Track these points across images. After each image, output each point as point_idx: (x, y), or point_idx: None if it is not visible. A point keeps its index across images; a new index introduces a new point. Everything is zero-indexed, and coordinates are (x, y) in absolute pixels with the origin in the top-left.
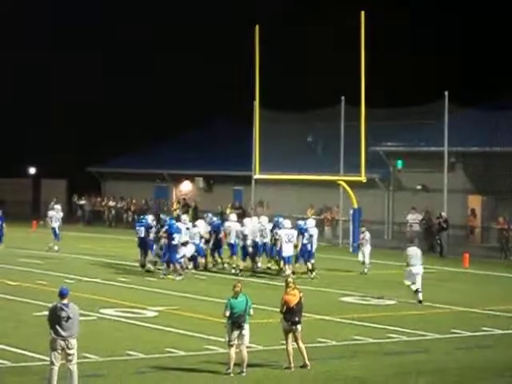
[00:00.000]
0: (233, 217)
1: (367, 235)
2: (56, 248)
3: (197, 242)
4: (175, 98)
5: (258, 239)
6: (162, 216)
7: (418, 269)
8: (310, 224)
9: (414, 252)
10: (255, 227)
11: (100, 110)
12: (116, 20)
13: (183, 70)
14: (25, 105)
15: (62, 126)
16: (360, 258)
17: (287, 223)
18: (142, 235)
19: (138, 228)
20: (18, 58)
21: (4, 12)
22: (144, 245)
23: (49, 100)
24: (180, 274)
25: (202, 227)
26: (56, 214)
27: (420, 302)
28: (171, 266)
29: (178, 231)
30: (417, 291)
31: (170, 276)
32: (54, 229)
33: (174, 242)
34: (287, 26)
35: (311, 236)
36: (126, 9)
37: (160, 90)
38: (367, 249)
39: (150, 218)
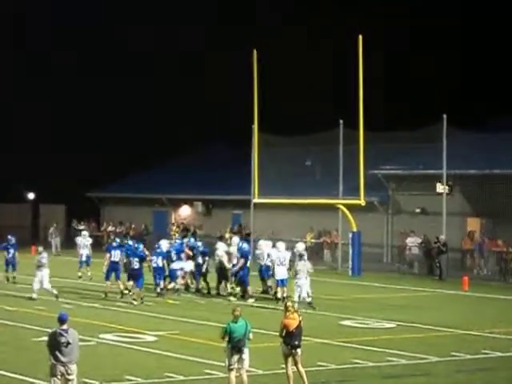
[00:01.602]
0: (235, 240)
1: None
2: (79, 274)
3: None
4: (174, 123)
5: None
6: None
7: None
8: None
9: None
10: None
11: (99, 135)
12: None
13: (182, 95)
14: (24, 130)
15: (61, 152)
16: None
17: (281, 246)
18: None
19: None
20: (17, 82)
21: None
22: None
23: (48, 125)
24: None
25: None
26: (83, 240)
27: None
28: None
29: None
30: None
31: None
32: (81, 255)
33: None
34: (286, 50)
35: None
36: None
37: (159, 114)
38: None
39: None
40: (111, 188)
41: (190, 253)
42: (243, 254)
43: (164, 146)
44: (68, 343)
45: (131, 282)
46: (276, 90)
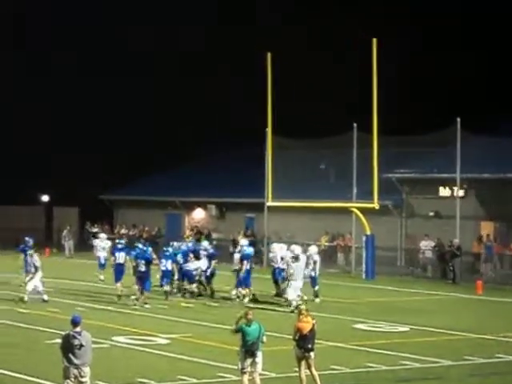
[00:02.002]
0: (243, 242)
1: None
2: (102, 277)
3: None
4: (187, 126)
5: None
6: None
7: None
8: (313, 250)
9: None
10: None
11: (113, 137)
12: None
13: (195, 96)
14: (38, 132)
15: (74, 154)
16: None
17: (296, 249)
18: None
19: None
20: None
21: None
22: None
23: (61, 128)
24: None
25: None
26: (101, 242)
27: None
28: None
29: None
30: None
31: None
32: (99, 258)
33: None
34: (300, 53)
35: (315, 263)
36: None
37: (172, 117)
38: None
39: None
40: (124, 190)
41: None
42: (244, 257)
43: (178, 148)
44: (81, 346)
45: (136, 286)
46: (289, 92)
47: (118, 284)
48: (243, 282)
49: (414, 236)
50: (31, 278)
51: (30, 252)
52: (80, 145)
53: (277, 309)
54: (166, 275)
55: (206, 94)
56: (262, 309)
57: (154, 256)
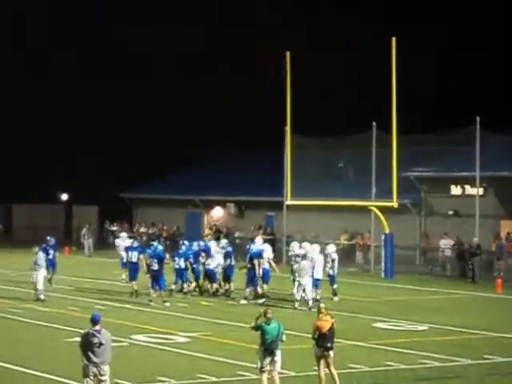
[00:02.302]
0: (258, 240)
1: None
2: (123, 276)
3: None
4: (205, 124)
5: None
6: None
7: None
8: (331, 249)
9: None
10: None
11: (132, 136)
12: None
13: (212, 96)
14: (58, 132)
15: (93, 152)
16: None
17: (315, 248)
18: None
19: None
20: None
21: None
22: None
23: (80, 126)
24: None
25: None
26: (122, 242)
27: None
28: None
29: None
30: None
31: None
32: (122, 257)
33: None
34: (318, 52)
35: (333, 261)
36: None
37: (191, 115)
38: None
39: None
40: (144, 189)
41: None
42: (252, 256)
43: (196, 147)
44: (100, 344)
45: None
46: (309, 91)
47: (133, 282)
48: (257, 279)
49: (430, 235)
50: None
51: (35, 250)
52: (99, 144)
53: (296, 307)
54: (180, 273)
55: (224, 94)
56: (281, 307)
57: (167, 255)
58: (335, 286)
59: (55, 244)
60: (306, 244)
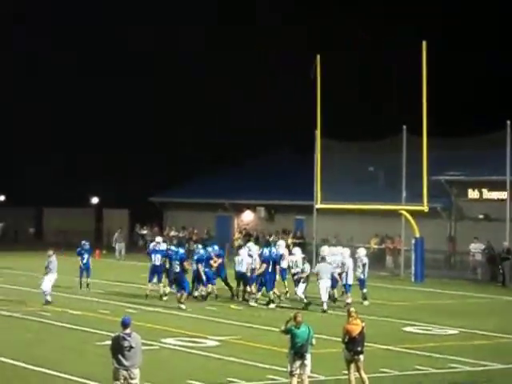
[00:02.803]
0: (281, 243)
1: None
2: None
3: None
4: (237, 129)
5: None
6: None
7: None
8: (362, 253)
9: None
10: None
11: (163, 139)
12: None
13: (244, 99)
14: (89, 135)
15: (124, 157)
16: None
17: (345, 252)
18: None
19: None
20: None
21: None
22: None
23: (110, 131)
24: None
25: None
26: (156, 246)
27: None
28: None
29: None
30: None
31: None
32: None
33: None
34: (348, 54)
35: (364, 265)
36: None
37: (223, 121)
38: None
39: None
40: (174, 192)
41: (217, 260)
42: (265, 260)
43: (227, 151)
44: (131, 347)
45: (168, 288)
46: (340, 95)
47: (149, 285)
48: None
49: (459, 238)
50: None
51: (49, 253)
52: (131, 147)
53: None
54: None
55: (252, 95)
56: (311, 311)
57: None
58: (365, 291)
59: (90, 248)
60: (337, 248)
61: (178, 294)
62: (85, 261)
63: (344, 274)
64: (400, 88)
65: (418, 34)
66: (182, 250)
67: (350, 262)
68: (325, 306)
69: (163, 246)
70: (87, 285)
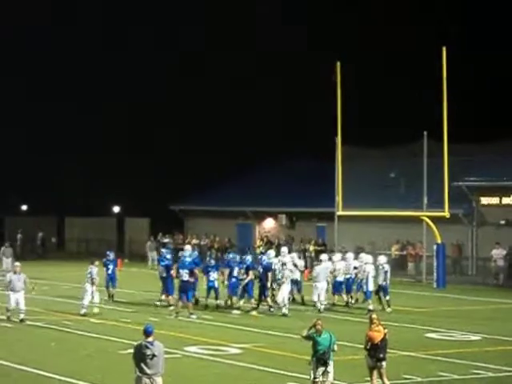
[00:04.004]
0: (284, 250)
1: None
2: None
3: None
4: (258, 135)
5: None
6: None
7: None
8: (383, 260)
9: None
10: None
11: (182, 148)
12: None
13: (264, 107)
14: (111, 144)
15: (145, 165)
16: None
17: (368, 258)
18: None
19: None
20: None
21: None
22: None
23: (131, 140)
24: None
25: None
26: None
27: None
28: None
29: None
30: None
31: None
32: None
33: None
34: (369, 60)
35: (386, 272)
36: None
37: (243, 127)
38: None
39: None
40: (195, 201)
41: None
42: (266, 267)
43: (247, 158)
44: (153, 355)
45: (176, 297)
46: (361, 101)
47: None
48: (248, 291)
49: (459, 245)
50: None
51: (96, 263)
52: (151, 156)
53: (348, 318)
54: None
55: (278, 104)
56: (333, 318)
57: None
58: (388, 298)
59: (115, 259)
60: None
61: (185, 303)
62: (110, 271)
63: (364, 281)
64: (420, 94)
65: (439, 39)
66: (188, 259)
67: (370, 269)
68: (318, 305)
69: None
70: (112, 295)
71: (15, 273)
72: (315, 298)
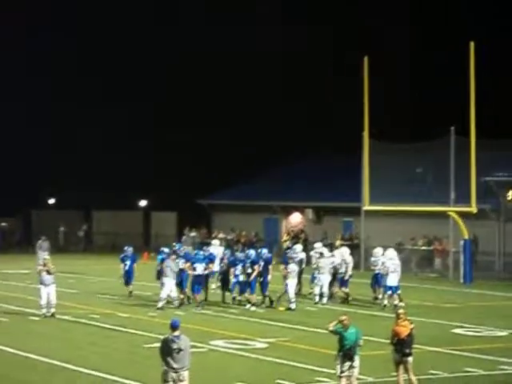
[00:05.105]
0: (318, 245)
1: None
2: (213, 286)
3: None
4: (284, 130)
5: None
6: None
7: None
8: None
9: None
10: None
11: (209, 142)
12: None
13: (290, 99)
14: (138, 139)
15: (172, 159)
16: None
17: (393, 253)
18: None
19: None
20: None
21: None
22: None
23: (161, 133)
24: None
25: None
26: (214, 249)
27: None
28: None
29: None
30: None
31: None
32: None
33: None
34: (397, 55)
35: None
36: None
37: (270, 122)
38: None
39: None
40: (222, 195)
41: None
42: (267, 261)
43: (274, 152)
44: (180, 350)
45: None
46: (388, 96)
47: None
48: (246, 287)
49: (477, 238)
50: (164, 285)
51: (172, 257)
52: (177, 150)
53: (374, 313)
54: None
55: (304, 98)
56: (360, 313)
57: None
58: (399, 292)
59: (133, 254)
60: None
61: (194, 296)
62: (127, 267)
63: (385, 276)
64: (448, 89)
65: (467, 35)
66: (201, 253)
67: (390, 264)
68: (316, 299)
69: (220, 250)
70: (130, 292)
71: (44, 266)
72: (317, 291)
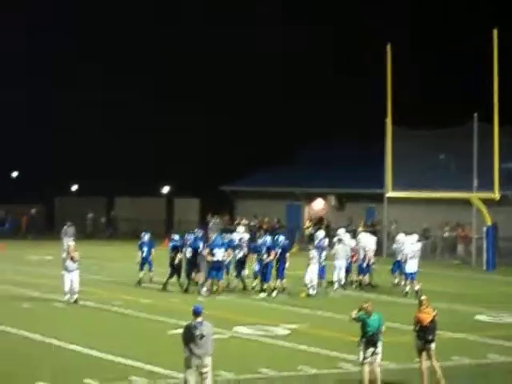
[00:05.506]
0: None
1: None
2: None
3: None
4: (308, 117)
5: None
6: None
7: None
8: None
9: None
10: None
11: (232, 129)
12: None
13: (312, 86)
14: (160, 126)
15: (195, 146)
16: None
17: (414, 239)
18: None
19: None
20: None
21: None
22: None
23: (181, 122)
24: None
25: None
26: (238, 236)
27: None
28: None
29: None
30: None
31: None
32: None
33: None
34: (419, 44)
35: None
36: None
37: (293, 108)
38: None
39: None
40: (245, 182)
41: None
42: (284, 248)
43: (297, 139)
44: (202, 336)
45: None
46: (411, 82)
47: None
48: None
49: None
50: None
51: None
52: (201, 137)
53: (396, 299)
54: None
55: (328, 85)
56: (382, 300)
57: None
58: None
59: (150, 240)
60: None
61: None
62: (144, 254)
63: (404, 263)
64: (471, 75)
65: (491, 21)
66: (219, 238)
67: (409, 250)
68: (336, 286)
69: (246, 236)
70: (150, 279)
71: (69, 253)
72: (335, 278)
